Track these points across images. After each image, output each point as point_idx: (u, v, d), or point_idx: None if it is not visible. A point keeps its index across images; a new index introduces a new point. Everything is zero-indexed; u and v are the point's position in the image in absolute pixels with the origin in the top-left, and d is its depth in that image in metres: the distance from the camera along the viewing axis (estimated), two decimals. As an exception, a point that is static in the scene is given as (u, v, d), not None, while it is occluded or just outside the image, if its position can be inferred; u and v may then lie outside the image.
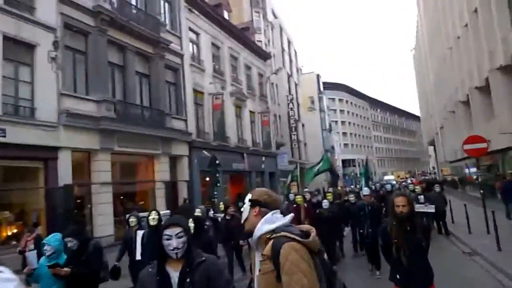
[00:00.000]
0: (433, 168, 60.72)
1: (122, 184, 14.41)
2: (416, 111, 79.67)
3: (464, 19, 18.12)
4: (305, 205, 9.48)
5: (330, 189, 16.92)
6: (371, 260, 7.44)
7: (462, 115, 21.16)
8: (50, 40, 11.69)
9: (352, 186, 33.76)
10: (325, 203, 8.91)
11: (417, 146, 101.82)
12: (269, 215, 1.92)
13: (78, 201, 12.35)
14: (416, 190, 11.76)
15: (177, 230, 2.04)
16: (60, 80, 11.84)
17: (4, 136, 9.96)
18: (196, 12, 19.82)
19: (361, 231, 7.88)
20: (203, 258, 2.11)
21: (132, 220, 6.56)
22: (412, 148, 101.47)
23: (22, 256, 7.60)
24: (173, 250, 2.02)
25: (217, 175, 14.51)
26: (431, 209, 9.65)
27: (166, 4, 18.06)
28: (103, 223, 12.70)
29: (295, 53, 44.05)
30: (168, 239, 2.03)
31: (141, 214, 7.28)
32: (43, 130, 11.06)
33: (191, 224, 5.59)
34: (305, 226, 1.89)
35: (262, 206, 1.94)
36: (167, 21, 17.62)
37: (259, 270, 1.80)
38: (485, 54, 15.46)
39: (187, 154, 17.41)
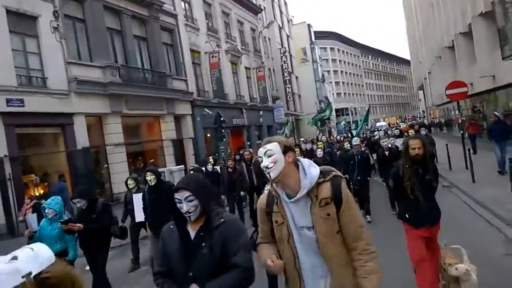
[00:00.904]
0: (423, 112, 62.02)
1: (133, 145, 15.34)
2: (407, 56, 79.63)
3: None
4: (302, 156, 9.76)
5: (323, 138, 17.94)
6: (361, 206, 7.58)
7: (448, 60, 21.86)
8: (50, 10, 12.02)
9: (344, 135, 35.03)
10: (319, 152, 9.30)
11: (408, 91, 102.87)
12: (306, 159, 1.97)
13: (96, 161, 13.35)
14: (410, 134, 11.55)
15: (186, 194, 1.95)
16: (65, 49, 12.33)
17: (23, 106, 10.70)
18: (185, -32, 19.61)
19: (349, 179, 7.85)
20: (222, 220, 2.00)
21: (130, 182, 6.50)
22: (403, 94, 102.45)
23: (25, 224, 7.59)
24: (185, 213, 1.96)
25: (222, 131, 15.44)
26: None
27: (155, -37, 17.86)
28: (119, 181, 13.72)
29: (285, 3, 43.26)
30: (179, 203, 1.97)
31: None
32: (57, 98, 11.76)
33: (150, 177, 5.35)
34: (326, 167, 1.98)
35: (293, 151, 1.93)
36: (158, -19, 17.55)
37: (328, 214, 1.80)
38: (468, 1, 15.93)
39: (190, 113, 18.23)
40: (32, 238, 4.43)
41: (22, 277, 0.86)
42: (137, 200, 6.03)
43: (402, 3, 48.97)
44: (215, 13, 22.45)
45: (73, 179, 11.98)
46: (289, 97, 34.49)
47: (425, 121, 44.77)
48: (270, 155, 1.88)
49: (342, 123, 50.55)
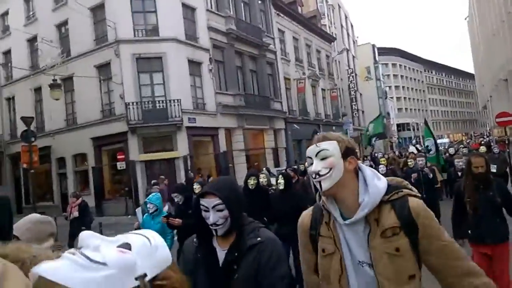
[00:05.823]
0: (490, 129, 61.87)
1: (247, 150, 20.88)
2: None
3: (508, 7, 21.72)
4: None
5: (386, 155, 21.66)
6: None
7: (503, 90, 24.91)
8: (207, 57, 17.94)
9: (410, 150, 37.50)
10: (382, 168, 8.36)
11: (475, 107, 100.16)
12: (369, 168, 1.43)
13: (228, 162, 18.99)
14: (482, 151, 11.15)
15: (215, 201, 1.55)
16: (214, 83, 18.18)
17: (195, 122, 16.56)
18: (281, 14, 25.13)
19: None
20: (258, 239, 1.59)
21: (196, 186, 6.55)
22: (469, 110, 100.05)
23: (69, 221, 8.01)
24: (211, 225, 1.56)
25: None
26: (493, 169, 8.88)
27: (262, 13, 23.58)
28: (240, 176, 19.23)
29: (351, 26, 47.61)
30: (205, 211, 1.59)
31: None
32: (210, 117, 17.58)
33: (280, 181, 5.16)
34: (395, 179, 1.47)
35: (355, 155, 1.41)
36: (264, 27, 23.20)
37: (397, 250, 1.27)
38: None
39: (283, 128, 23.50)
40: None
41: (136, 278, 0.61)
42: None
43: (467, 24, 50.89)
44: (301, 46, 27.73)
45: (218, 174, 17.63)
46: (355, 113, 38.69)
47: (489, 139, 45.85)
48: (324, 156, 1.36)
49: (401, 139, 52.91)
